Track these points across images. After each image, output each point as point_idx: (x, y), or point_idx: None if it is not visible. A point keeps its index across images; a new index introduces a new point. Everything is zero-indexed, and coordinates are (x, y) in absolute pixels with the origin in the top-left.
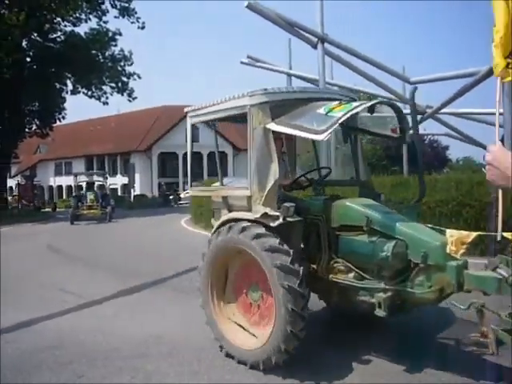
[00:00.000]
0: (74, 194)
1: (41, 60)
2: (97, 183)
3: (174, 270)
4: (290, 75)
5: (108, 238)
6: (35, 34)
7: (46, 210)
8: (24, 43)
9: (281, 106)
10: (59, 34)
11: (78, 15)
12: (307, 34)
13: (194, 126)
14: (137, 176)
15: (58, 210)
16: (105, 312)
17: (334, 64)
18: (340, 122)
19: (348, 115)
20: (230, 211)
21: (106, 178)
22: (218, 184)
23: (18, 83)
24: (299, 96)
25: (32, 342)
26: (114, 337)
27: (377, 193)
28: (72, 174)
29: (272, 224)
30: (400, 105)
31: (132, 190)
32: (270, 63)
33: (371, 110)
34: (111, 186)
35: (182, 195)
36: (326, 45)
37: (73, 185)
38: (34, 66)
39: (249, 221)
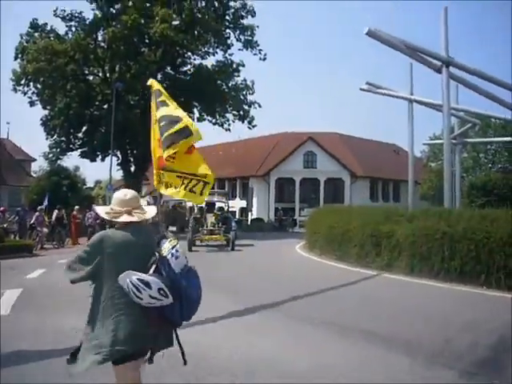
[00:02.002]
0: (192, 216)
1: (172, 91)
2: (217, 205)
3: (289, 294)
4: (411, 101)
5: (228, 259)
6: (168, 68)
7: None
8: (159, 76)
9: None
10: (189, 66)
11: (206, 49)
12: (430, 59)
13: None
14: (254, 200)
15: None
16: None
17: (460, 88)
18: None
19: None
20: None
21: (228, 198)
22: None
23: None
24: None
25: None
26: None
27: None
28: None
29: None
30: None
31: (250, 214)
32: (390, 89)
33: None
34: (230, 209)
35: None
36: (450, 68)
37: (193, 206)
38: None
39: None
